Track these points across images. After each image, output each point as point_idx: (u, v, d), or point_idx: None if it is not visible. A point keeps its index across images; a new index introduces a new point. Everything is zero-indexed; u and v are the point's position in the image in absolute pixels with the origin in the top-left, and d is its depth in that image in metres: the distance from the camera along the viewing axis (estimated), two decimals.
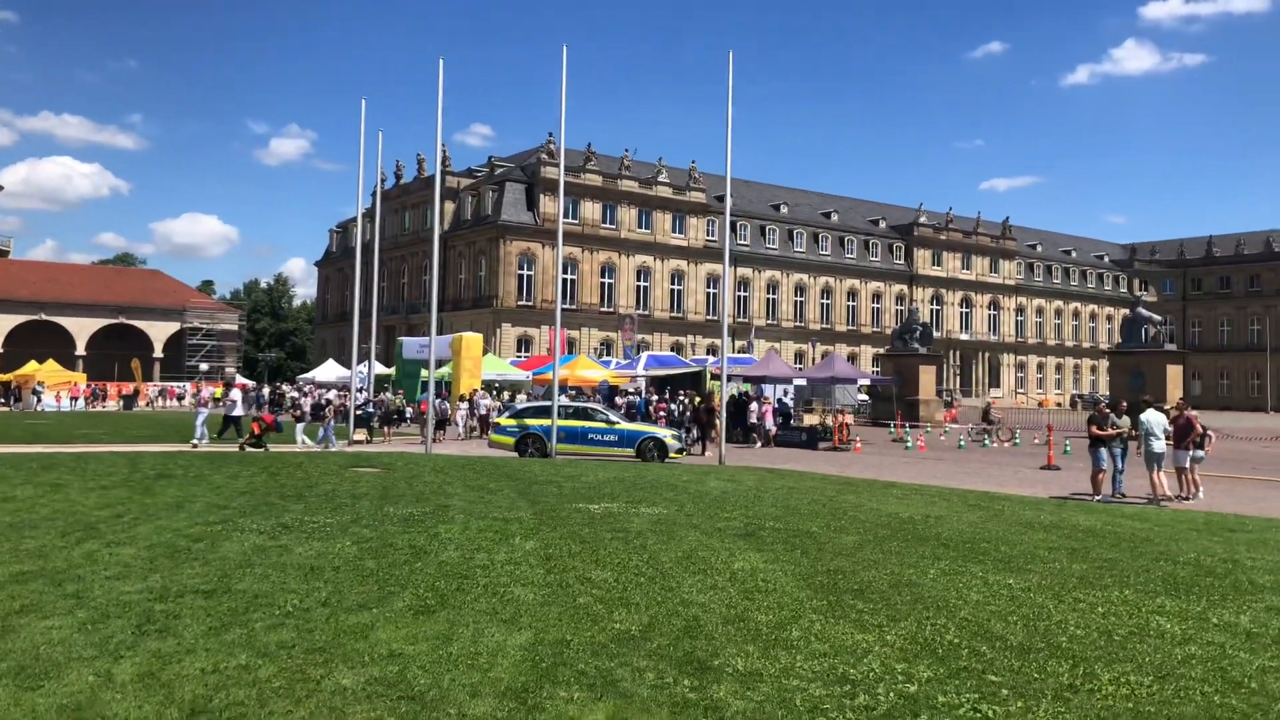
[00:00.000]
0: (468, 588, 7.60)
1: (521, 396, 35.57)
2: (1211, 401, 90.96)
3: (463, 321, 62.66)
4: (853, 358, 76.71)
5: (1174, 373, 38.39)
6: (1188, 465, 16.79)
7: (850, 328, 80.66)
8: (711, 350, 64.24)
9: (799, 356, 75.95)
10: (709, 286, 72.88)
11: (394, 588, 7.55)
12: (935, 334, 66.56)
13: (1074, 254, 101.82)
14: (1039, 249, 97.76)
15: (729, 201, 24.20)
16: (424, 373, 32.72)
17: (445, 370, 36.51)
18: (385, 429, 29.66)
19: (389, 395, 33.59)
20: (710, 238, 72.94)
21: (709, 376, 33.81)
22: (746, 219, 75.63)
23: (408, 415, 33.08)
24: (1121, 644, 6.46)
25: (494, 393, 36.69)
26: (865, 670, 5.70)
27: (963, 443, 30.53)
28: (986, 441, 31.25)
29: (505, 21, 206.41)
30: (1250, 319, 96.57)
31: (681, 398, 31.58)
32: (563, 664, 5.66)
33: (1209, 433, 18.46)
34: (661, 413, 30.19)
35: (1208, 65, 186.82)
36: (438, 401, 29.49)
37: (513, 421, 23.54)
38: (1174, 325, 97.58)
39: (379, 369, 41.14)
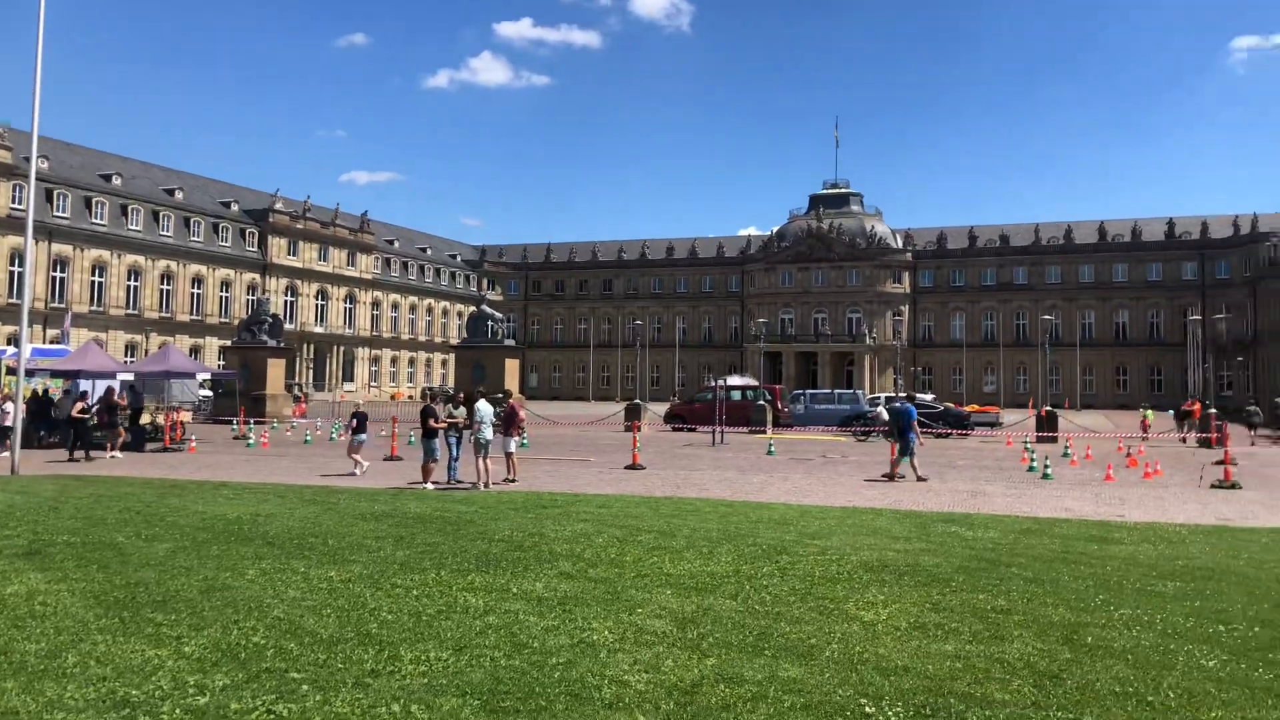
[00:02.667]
0: None
1: None
2: (545, 392, 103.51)
3: None
4: (196, 350, 72.43)
5: (512, 366, 42.86)
6: (512, 450, 18.80)
7: (194, 317, 75.98)
8: (13, 340, 55.67)
9: (131, 348, 69.49)
10: (12, 264, 63.10)
11: None
12: (288, 326, 65.74)
13: (430, 252, 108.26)
14: (397, 245, 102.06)
15: (36, 163, 21.14)
16: None
17: None
18: None
19: None
20: (16, 205, 63.22)
21: (4, 370, 29.21)
22: (68, 188, 66.97)
23: None
24: (429, 623, 6.91)
25: None
26: (152, 689, 5.30)
27: (309, 437, 30.54)
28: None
29: None
30: (579, 318, 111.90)
31: None
32: None
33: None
34: None
35: (552, 87, 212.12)
36: None
37: None
38: (516, 323, 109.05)
39: None
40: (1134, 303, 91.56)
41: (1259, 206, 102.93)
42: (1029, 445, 26.99)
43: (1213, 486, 18.45)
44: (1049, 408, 36.21)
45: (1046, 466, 21.10)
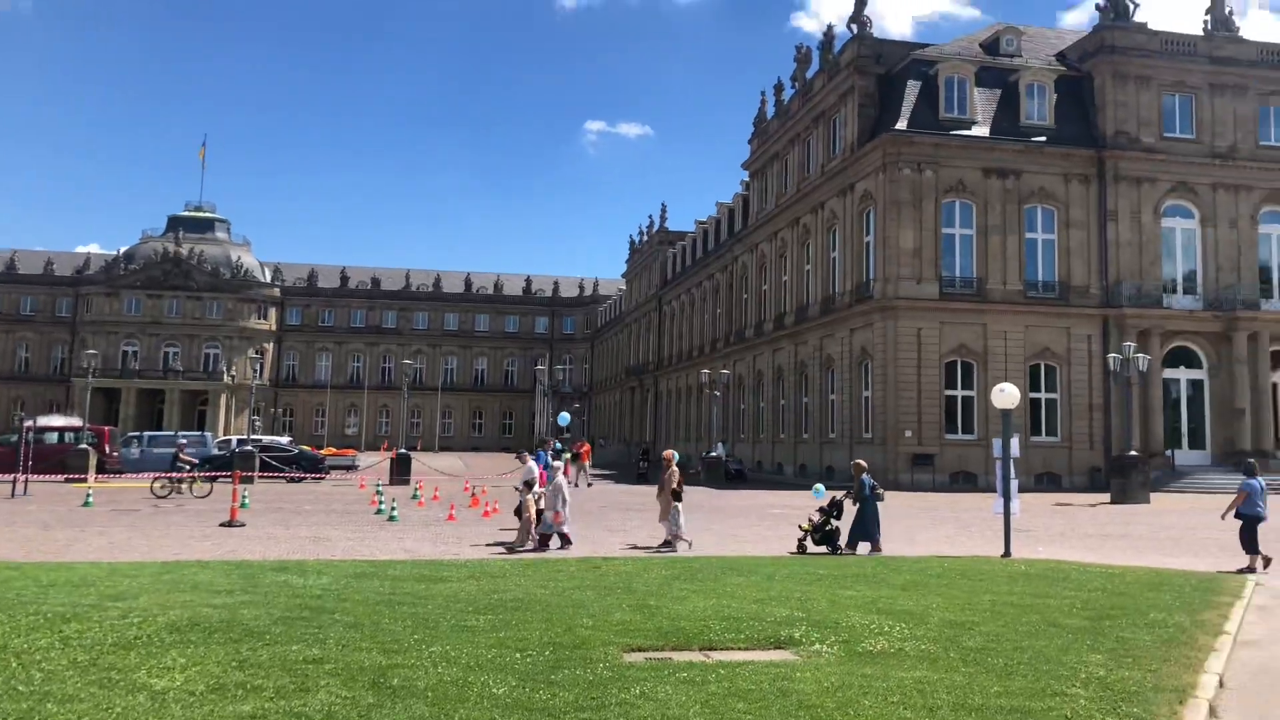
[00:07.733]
0: None
1: None
2: None
3: None
4: None
5: None
6: None
7: None
8: None
9: None
10: None
11: None
12: None
13: None
14: None
15: None
16: None
17: None
18: None
19: None
20: None
21: None
22: None
23: None
24: None
25: None
26: None
27: None
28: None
29: None
30: None
31: None
32: None
33: None
34: None
35: None
36: None
37: None
38: None
39: None
40: (493, 351, 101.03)
41: (600, 272, 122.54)
42: (380, 488, 27.84)
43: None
44: (402, 450, 37.75)
45: (394, 509, 21.94)
